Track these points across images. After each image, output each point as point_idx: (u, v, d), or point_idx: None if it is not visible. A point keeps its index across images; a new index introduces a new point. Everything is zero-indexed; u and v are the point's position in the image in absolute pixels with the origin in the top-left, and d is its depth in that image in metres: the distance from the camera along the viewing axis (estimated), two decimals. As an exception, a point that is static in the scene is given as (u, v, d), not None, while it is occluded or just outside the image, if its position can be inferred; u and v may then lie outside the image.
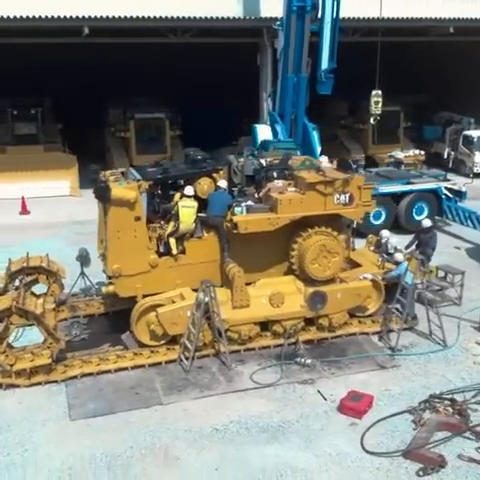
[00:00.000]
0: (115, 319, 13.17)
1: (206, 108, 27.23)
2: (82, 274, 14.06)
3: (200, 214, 12.15)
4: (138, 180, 11.77)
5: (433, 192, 19.74)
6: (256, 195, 12.36)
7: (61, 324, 13.29)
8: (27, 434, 9.73)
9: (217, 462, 9.08)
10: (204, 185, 12.21)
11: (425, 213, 19.68)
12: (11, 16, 20.11)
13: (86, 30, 20.71)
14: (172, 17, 21.57)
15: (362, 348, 12.37)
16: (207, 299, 11.43)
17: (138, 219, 11.70)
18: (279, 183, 12.26)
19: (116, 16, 21.05)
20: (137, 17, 21.16)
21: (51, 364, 11.16)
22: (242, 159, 13.03)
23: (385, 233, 14.28)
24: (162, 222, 12.22)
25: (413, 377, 11.38)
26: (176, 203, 12.05)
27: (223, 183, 12.18)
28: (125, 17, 21.09)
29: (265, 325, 12.35)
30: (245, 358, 11.98)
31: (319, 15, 19.00)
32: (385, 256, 13.57)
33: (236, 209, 11.91)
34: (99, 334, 12.84)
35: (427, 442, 9.33)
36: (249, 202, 12.23)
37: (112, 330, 12.83)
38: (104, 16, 20.80)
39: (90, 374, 11.35)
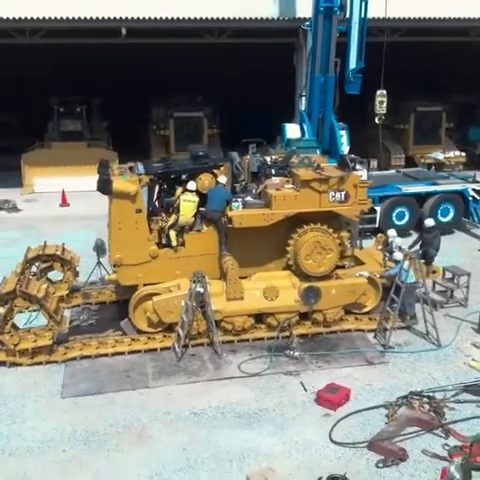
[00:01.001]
0: (124, 307, 13.77)
1: (245, 107, 27.69)
2: (98, 263, 14.80)
3: (200, 208, 12.63)
4: (139, 174, 12.34)
5: (459, 193, 19.52)
6: (253, 191, 12.72)
7: (74, 310, 14.14)
8: (19, 408, 10.46)
9: (186, 442, 9.54)
10: (205, 180, 12.66)
11: (451, 215, 19.54)
12: (58, 17, 21.17)
13: (124, 31, 21.54)
14: (212, 18, 22.16)
15: (354, 344, 12.54)
16: (201, 290, 11.88)
17: (139, 211, 12.28)
18: (276, 180, 12.59)
19: (155, 17, 21.83)
20: (177, 18, 21.84)
21: (52, 345, 11.89)
22: (248, 156, 13.46)
23: (391, 232, 14.32)
24: (163, 215, 12.76)
25: (398, 374, 11.50)
26: (178, 197, 12.55)
27: (223, 179, 12.60)
28: (166, 18, 21.80)
29: (260, 317, 12.70)
30: (238, 348, 12.37)
31: (347, 15, 19.29)
32: (387, 255, 13.66)
33: (233, 204, 12.33)
34: (106, 320, 13.50)
35: (393, 435, 9.48)
36: (248, 198, 12.63)
37: (119, 317, 13.38)
38: (144, 17, 21.62)
39: (89, 356, 12.01)
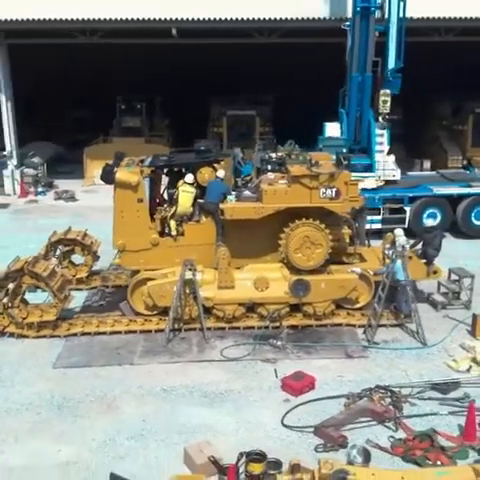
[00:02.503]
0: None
1: (299, 106, 28.05)
2: None
3: (199, 200, 13.32)
4: (141, 166, 13.18)
5: (496, 196, 19.15)
6: (249, 185, 13.28)
7: (91, 291, 15.22)
8: (12, 374, 11.56)
9: (148, 414, 10.27)
10: (205, 174, 13.33)
11: (485, 217, 19.20)
12: (117, 18, 22.52)
13: (174, 31, 22.56)
14: (264, 19, 22.82)
15: (341, 338, 12.83)
16: (190, 276, 12.58)
17: (140, 201, 13.13)
18: (271, 175, 13.06)
19: (207, 18, 22.72)
20: (226, 19, 22.64)
21: (56, 321, 12.97)
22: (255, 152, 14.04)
23: (398, 232, 14.41)
24: (165, 205, 13.55)
25: (373, 368, 11.71)
26: (177, 188, 13.31)
27: (221, 173, 13.21)
28: (219, 19, 22.65)
29: (251, 307, 13.22)
30: (227, 335, 12.97)
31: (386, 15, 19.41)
32: (386, 253, 13.79)
33: (228, 197, 12.93)
34: (116, 302, 14.41)
35: (340, 423, 9.80)
36: (246, 192, 13.19)
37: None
38: (195, 18, 22.56)
39: (88, 333, 12.99)
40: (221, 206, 12.73)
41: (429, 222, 14.01)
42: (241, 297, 12.99)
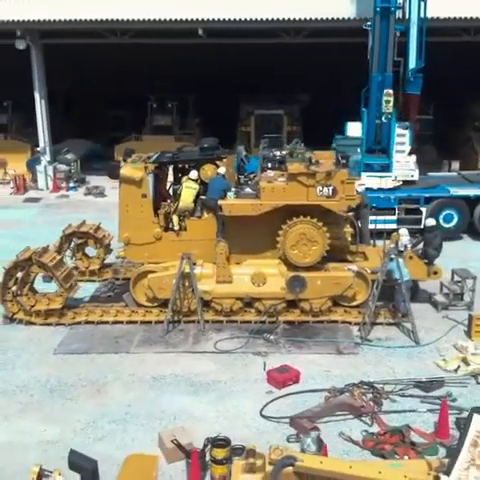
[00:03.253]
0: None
1: (330, 105, 28.11)
2: None
3: (202, 197, 13.70)
4: (146, 162, 13.64)
5: (514, 199, 18.90)
6: (250, 182, 13.58)
7: (103, 283, 15.77)
8: (15, 358, 12.18)
9: (133, 400, 10.70)
10: (208, 171, 13.70)
11: (504, 221, 18.97)
12: (145, 19, 23.13)
13: (200, 32, 23.02)
14: (290, 19, 23.07)
15: (335, 334, 13.00)
16: (187, 270, 12.96)
17: (144, 196, 13.59)
18: (271, 173, 13.33)
19: (234, 19, 23.10)
20: (252, 19, 22.97)
21: (62, 309, 13.55)
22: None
23: (402, 231, 14.49)
24: (169, 201, 13.98)
25: (361, 365, 11.85)
26: (181, 184, 13.72)
27: (222, 170, 13.55)
28: (246, 19, 23.02)
29: (250, 302, 13.52)
30: (224, 328, 13.30)
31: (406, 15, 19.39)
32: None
33: (228, 194, 13.26)
34: (123, 294, 14.94)
35: (316, 415, 10.02)
36: (247, 189, 13.51)
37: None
38: (220, 18, 22.96)
39: (92, 322, 13.53)
40: (220, 202, 13.05)
41: (430, 222, 13.96)
42: (238, 291, 13.30)
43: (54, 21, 23.27)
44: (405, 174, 19.79)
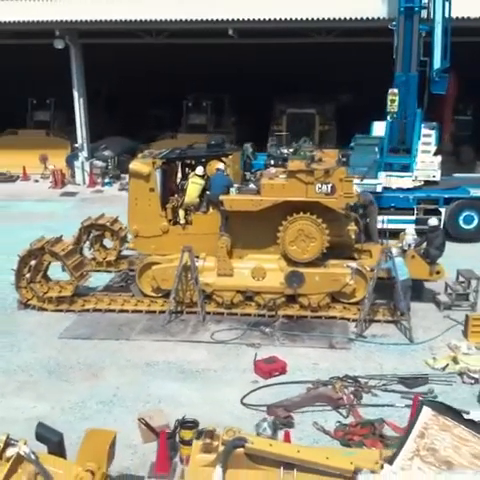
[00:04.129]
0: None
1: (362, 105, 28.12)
2: None
3: (208, 192, 14.12)
4: (154, 158, 14.16)
5: None
6: (252, 179, 13.94)
7: (117, 273, 16.39)
8: (22, 341, 12.88)
9: (123, 384, 11.20)
10: (213, 167, 14.11)
11: (525, 223, 18.71)
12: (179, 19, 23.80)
13: (230, 31, 23.47)
14: (319, 19, 23.33)
15: (330, 329, 13.21)
16: (191, 263, 13.41)
17: (152, 190, 14.10)
18: (273, 170, 13.64)
19: (264, 18, 23.48)
20: (283, 19, 23.32)
21: (72, 296, 14.22)
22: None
23: (408, 230, 14.59)
24: (176, 195, 14.47)
25: (351, 360, 12.05)
26: (187, 179, 14.19)
27: (221, 166, 13.95)
28: (274, 19, 23.39)
29: (250, 295, 13.87)
30: (224, 320, 13.69)
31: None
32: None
33: (231, 189, 13.65)
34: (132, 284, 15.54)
35: (293, 404, 10.30)
36: (251, 185, 13.88)
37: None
38: (251, 19, 23.37)
39: (99, 310, 14.15)
40: (221, 197, 13.44)
41: (432, 222, 13.98)
42: (238, 285, 13.66)
43: (91, 21, 24.16)
44: (426, 174, 19.72)
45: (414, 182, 19.29)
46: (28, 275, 14.26)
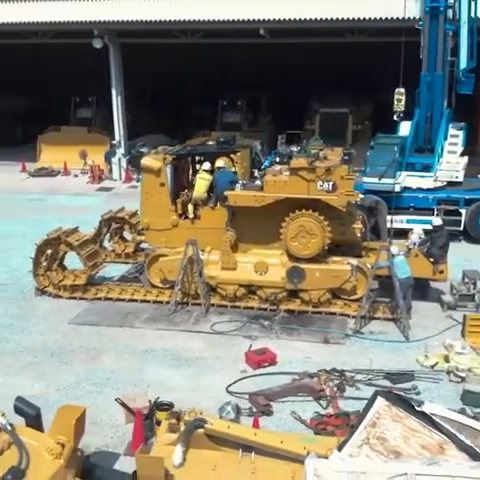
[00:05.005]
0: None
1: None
2: None
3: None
4: (165, 154, 14.67)
5: None
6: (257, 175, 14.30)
7: (134, 265, 17.02)
8: (34, 325, 13.63)
9: (119, 368, 11.76)
10: (218, 164, 14.53)
11: None
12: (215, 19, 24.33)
13: (261, 31, 23.83)
14: (354, 18, 23.45)
15: (329, 325, 13.43)
16: (196, 256, 13.87)
17: (162, 185, 14.62)
18: (278, 167, 13.95)
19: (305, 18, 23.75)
20: (316, 19, 23.56)
21: (86, 285, 14.90)
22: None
23: (415, 229, 14.67)
24: (186, 190, 14.96)
25: (343, 354, 12.25)
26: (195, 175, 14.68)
27: (220, 163, 14.41)
28: (304, 19, 23.63)
29: (254, 289, 14.23)
30: (226, 312, 14.09)
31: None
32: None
33: (236, 185, 14.04)
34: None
35: (274, 394, 10.63)
36: (257, 182, 14.23)
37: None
38: (281, 18, 23.69)
39: (110, 299, 14.78)
40: (226, 193, 13.84)
41: (436, 221, 14.02)
42: (241, 278, 14.03)
43: (130, 22, 24.92)
44: (450, 175, 19.59)
45: (435, 182, 19.19)
46: (45, 263, 14.99)
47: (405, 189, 19.06)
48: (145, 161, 14.54)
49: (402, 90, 18.36)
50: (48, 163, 29.88)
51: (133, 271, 16.42)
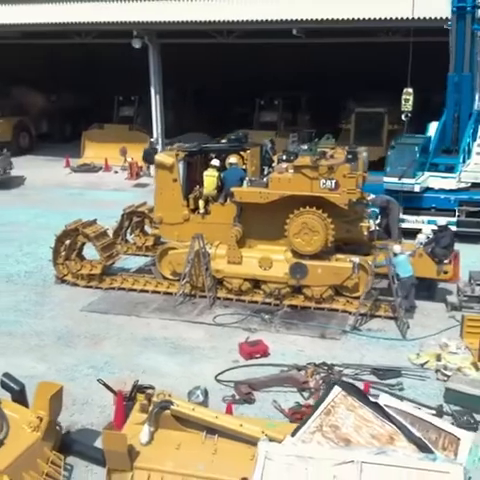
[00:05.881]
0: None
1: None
2: None
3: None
4: (177, 150, 15.19)
5: None
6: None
7: (152, 258, 17.58)
8: (48, 311, 14.37)
9: (118, 354, 12.32)
10: (229, 161, 14.94)
11: None
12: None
13: (294, 31, 24.07)
14: (385, 18, 23.42)
15: (329, 321, 13.65)
16: (202, 249, 14.34)
17: (175, 181, 15.14)
18: (284, 165, 14.25)
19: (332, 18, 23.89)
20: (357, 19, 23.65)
21: (101, 275, 15.57)
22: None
23: (424, 230, 14.73)
24: (198, 186, 15.44)
25: (336, 349, 12.47)
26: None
27: (232, 159, 14.76)
28: (338, 19, 23.77)
29: (258, 284, 14.59)
30: (231, 305, 14.49)
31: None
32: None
33: (244, 182, 14.43)
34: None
35: (259, 383, 10.97)
36: (265, 179, 14.58)
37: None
38: (314, 19, 23.86)
39: (123, 289, 15.40)
40: (232, 189, 14.24)
41: (441, 221, 14.03)
42: (246, 272, 14.41)
43: (168, 22, 25.60)
44: (474, 177, 19.40)
45: (458, 183, 19.05)
46: (64, 253, 15.74)
47: (427, 190, 19.00)
48: (158, 157, 15.10)
49: (410, 90, 18.33)
50: (91, 159, 30.90)
51: (150, 263, 17.00)
